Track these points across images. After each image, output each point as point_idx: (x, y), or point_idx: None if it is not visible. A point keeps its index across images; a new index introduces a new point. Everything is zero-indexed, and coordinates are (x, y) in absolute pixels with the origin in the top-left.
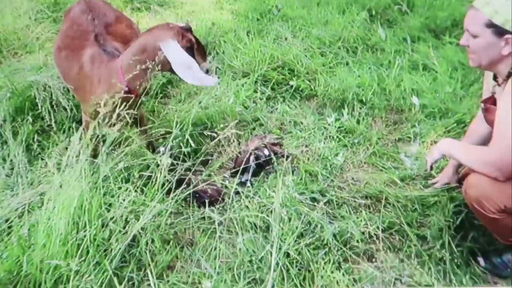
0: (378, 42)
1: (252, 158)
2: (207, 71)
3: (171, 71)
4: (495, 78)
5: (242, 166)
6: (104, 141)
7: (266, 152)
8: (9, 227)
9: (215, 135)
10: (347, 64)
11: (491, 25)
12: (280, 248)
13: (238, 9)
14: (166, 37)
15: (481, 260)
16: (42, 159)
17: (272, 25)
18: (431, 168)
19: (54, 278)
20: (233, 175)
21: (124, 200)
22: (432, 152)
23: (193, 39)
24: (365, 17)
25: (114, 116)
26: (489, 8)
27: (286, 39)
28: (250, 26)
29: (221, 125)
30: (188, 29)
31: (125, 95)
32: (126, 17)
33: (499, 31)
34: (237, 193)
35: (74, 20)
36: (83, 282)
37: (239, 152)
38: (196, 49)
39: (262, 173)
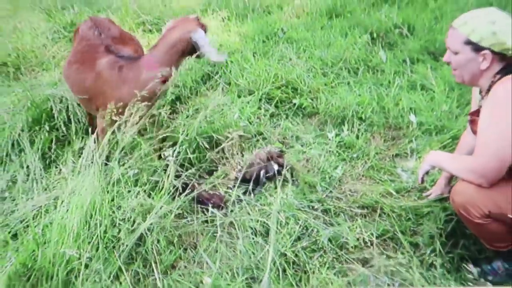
0: (379, 63)
1: (262, 172)
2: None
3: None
4: (481, 92)
5: (253, 178)
6: (117, 146)
7: (276, 166)
8: (26, 227)
9: (224, 138)
10: (348, 84)
11: (469, 42)
12: (277, 250)
13: (246, 31)
14: (195, 28)
15: (471, 267)
16: (56, 167)
17: (277, 47)
18: (423, 180)
19: (66, 270)
20: (239, 185)
21: (133, 201)
22: (422, 164)
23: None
24: (367, 40)
25: (145, 110)
26: (467, 27)
27: (290, 59)
28: (256, 47)
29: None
30: (199, 18)
31: (162, 83)
32: (127, 32)
33: (477, 48)
34: (240, 200)
35: (83, 37)
36: (93, 273)
37: (250, 164)
38: None
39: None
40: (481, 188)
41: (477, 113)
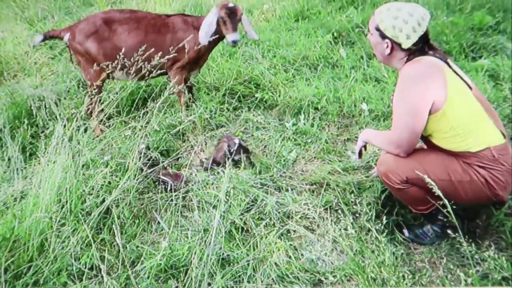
0: (339, 60)
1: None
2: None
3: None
4: None
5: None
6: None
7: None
8: (6, 208)
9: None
10: (307, 79)
11: (378, 29)
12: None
13: None
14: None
15: (405, 231)
16: (35, 158)
17: (244, 48)
18: (360, 155)
19: (40, 238)
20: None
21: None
22: (358, 141)
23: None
24: (330, 39)
25: None
26: (379, 16)
27: (256, 59)
28: (225, 49)
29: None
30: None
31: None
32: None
33: (382, 35)
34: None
35: (137, 17)
36: (62, 240)
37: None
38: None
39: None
40: (399, 157)
41: None
